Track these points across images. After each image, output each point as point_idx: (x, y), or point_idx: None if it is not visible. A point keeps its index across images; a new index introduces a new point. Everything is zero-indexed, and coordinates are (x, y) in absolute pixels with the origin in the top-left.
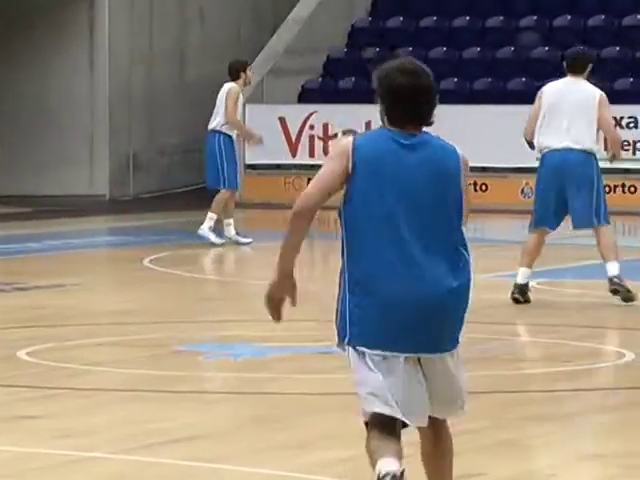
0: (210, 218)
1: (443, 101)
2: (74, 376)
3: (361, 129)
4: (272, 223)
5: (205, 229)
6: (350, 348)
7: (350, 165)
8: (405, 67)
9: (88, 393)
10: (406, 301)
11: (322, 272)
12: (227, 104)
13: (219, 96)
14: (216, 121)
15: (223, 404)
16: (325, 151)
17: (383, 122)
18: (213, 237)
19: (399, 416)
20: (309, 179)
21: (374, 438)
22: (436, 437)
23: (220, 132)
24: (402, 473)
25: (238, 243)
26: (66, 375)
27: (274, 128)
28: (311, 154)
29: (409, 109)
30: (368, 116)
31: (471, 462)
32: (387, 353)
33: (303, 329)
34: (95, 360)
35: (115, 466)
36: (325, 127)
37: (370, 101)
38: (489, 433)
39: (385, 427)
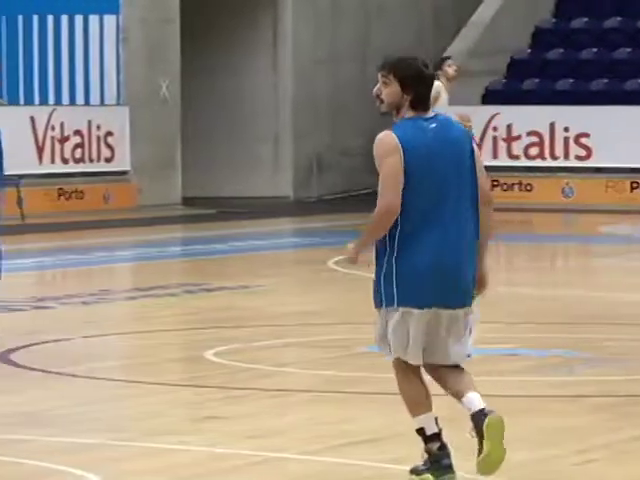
0: None
1: (628, 102)
2: (262, 377)
3: (545, 131)
4: None
5: None
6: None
7: (402, 157)
8: (424, 62)
9: (276, 394)
10: (449, 267)
11: (507, 275)
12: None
13: None
14: None
15: None
16: (509, 153)
17: (397, 109)
18: None
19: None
20: (492, 181)
21: None
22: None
23: None
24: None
25: None
26: (254, 376)
27: None
28: (494, 155)
29: (428, 96)
30: (552, 117)
31: None
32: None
33: (490, 331)
34: (282, 361)
35: (303, 467)
36: (509, 128)
37: (555, 102)
38: None
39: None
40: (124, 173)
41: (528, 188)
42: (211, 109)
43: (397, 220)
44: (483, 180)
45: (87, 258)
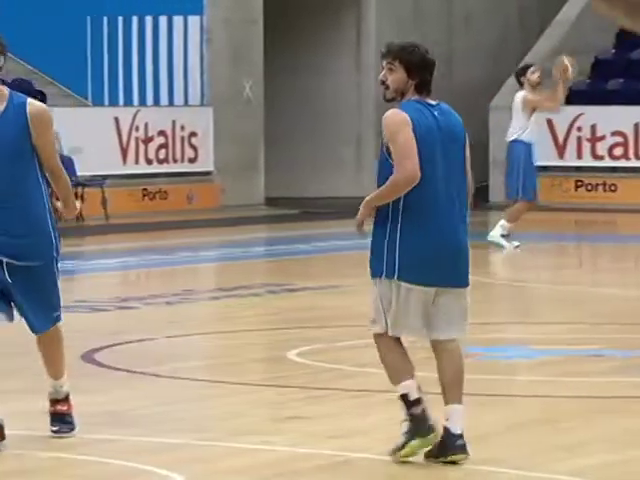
0: (501, 226)
1: None
2: (344, 377)
3: (630, 131)
4: (541, 225)
5: (496, 236)
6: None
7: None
8: (425, 49)
9: (358, 394)
10: (449, 247)
11: (591, 276)
12: (533, 107)
13: (513, 106)
14: (511, 131)
15: (493, 406)
16: (593, 153)
17: (402, 95)
18: (504, 243)
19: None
20: (576, 181)
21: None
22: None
23: (518, 141)
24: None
25: (498, 244)
26: (336, 376)
27: (542, 130)
28: (579, 156)
29: (431, 81)
30: (636, 117)
31: None
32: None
33: (574, 332)
34: (364, 361)
35: (385, 467)
36: (593, 129)
37: (639, 102)
38: None
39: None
40: (208, 173)
41: (612, 188)
42: (294, 109)
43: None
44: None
45: (171, 258)
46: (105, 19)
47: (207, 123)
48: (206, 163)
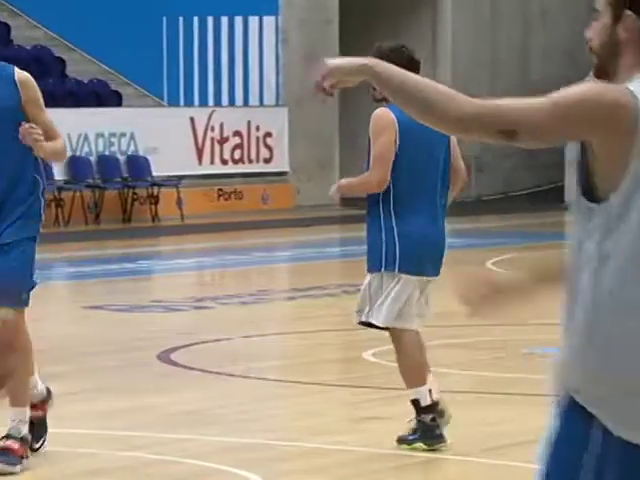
0: None
1: None
2: None
3: None
4: None
5: None
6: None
7: (396, 134)
8: (412, 50)
9: None
10: (436, 239)
11: None
12: None
13: None
14: None
15: None
16: None
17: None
18: None
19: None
20: None
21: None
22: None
23: None
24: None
25: None
26: None
27: None
28: None
29: None
30: None
31: None
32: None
33: None
34: (439, 362)
35: (461, 468)
36: None
37: None
38: None
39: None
40: (283, 174)
41: None
42: (369, 110)
43: (390, 189)
44: (461, 164)
45: (246, 258)
46: (181, 19)
47: (282, 123)
48: (281, 163)
